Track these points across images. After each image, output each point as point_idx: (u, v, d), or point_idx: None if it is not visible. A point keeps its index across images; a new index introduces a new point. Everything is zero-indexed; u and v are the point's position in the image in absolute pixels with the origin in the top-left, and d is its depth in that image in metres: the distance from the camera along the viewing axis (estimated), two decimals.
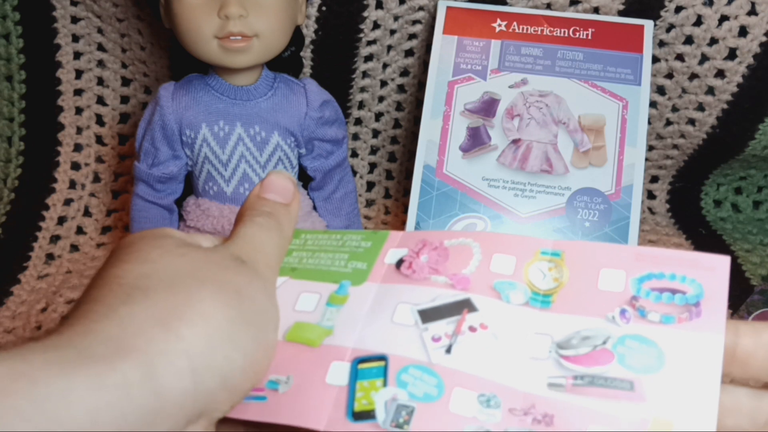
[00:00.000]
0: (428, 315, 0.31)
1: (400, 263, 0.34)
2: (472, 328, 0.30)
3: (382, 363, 0.29)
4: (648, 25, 0.65)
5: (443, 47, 0.64)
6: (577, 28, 0.64)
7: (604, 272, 0.30)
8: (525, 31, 0.64)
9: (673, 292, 0.29)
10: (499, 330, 0.30)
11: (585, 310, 0.30)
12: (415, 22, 0.74)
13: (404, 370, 0.29)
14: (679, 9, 0.70)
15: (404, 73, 0.78)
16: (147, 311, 0.26)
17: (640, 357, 0.28)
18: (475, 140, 0.60)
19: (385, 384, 0.29)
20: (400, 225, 0.84)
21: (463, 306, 0.31)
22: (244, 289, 0.29)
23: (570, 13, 0.66)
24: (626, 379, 0.27)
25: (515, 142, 0.59)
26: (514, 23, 0.64)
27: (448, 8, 0.66)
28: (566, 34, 0.63)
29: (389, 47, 0.75)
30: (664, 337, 0.28)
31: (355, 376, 0.29)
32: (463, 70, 0.63)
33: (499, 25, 0.64)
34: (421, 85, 0.79)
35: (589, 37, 0.63)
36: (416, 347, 0.30)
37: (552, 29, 0.64)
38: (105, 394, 0.23)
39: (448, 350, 0.29)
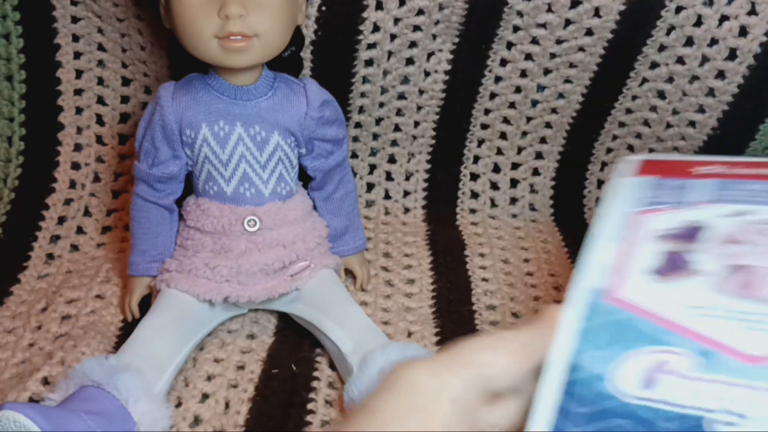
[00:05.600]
0: None
1: None
2: None
3: None
4: None
5: (631, 188, 0.50)
6: None
7: None
8: (738, 172, 0.49)
9: None
10: None
11: None
12: (415, 28, 0.74)
13: None
14: (679, 9, 0.70)
15: (404, 81, 0.78)
16: None
17: None
18: (675, 264, 0.44)
19: None
20: (400, 225, 0.84)
21: None
22: None
23: None
24: None
25: (738, 268, 0.43)
26: (720, 167, 0.50)
27: (644, 161, 0.52)
28: None
29: (389, 52, 0.75)
30: None
31: None
32: (653, 203, 0.48)
33: (702, 170, 0.50)
34: (421, 92, 0.79)
35: None
36: None
37: None
38: None
39: None
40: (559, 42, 0.75)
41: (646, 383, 0.35)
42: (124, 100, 0.80)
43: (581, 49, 0.75)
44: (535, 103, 0.81)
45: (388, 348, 0.55)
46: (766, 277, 0.41)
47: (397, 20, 0.73)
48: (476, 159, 0.86)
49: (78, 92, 0.79)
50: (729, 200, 0.46)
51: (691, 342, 0.37)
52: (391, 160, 0.85)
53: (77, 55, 0.78)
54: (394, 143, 0.84)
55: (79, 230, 0.79)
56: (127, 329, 0.64)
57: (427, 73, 0.78)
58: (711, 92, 0.75)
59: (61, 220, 0.78)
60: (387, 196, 0.87)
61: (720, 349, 0.37)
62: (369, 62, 0.76)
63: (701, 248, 0.43)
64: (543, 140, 0.84)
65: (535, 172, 0.87)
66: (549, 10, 0.72)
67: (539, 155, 0.85)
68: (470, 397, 0.30)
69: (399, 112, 0.81)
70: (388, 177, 0.86)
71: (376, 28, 0.73)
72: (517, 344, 0.32)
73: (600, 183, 0.86)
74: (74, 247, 0.77)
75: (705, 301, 0.40)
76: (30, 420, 0.44)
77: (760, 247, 0.43)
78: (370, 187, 0.86)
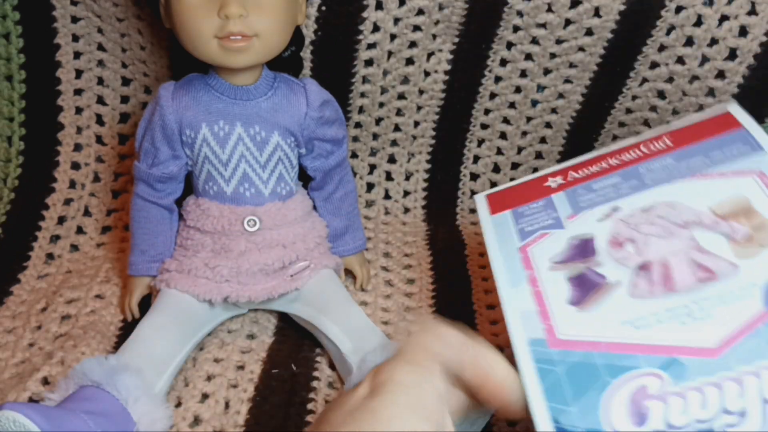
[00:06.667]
0: None
1: None
2: None
3: None
4: (731, 106, 0.51)
5: (497, 227, 0.52)
6: (648, 143, 0.52)
7: None
8: (589, 172, 0.53)
9: None
10: None
11: None
12: (415, 28, 0.74)
13: None
14: (679, 9, 0.70)
15: (404, 81, 0.78)
16: None
17: None
18: (585, 286, 0.45)
19: None
20: (400, 225, 0.84)
21: None
22: None
23: (630, 140, 0.54)
24: None
25: (643, 267, 0.44)
26: (571, 172, 0.54)
27: (488, 196, 0.56)
28: (638, 154, 0.52)
29: (389, 52, 0.75)
30: None
31: None
32: (530, 232, 0.50)
33: (554, 182, 0.54)
34: (421, 92, 0.79)
35: (668, 143, 0.51)
36: None
37: (619, 157, 0.53)
38: None
39: None
40: (559, 42, 0.75)
41: (639, 418, 0.36)
42: (124, 100, 0.80)
43: (581, 49, 0.75)
44: (535, 103, 0.81)
45: (387, 348, 0.55)
46: (674, 264, 0.43)
47: (397, 20, 0.73)
48: (476, 159, 0.86)
49: (78, 92, 0.79)
50: (592, 204, 0.49)
51: (652, 357, 0.38)
52: (391, 160, 0.85)
53: (77, 55, 0.78)
54: (394, 143, 0.84)
55: (79, 230, 0.79)
56: (127, 329, 0.64)
57: (427, 73, 0.78)
58: (711, 92, 0.75)
59: (61, 220, 0.78)
60: (387, 196, 0.87)
61: (681, 354, 0.38)
62: (369, 62, 0.76)
63: (602, 259, 0.45)
64: (543, 140, 0.84)
65: (535, 171, 0.86)
66: (549, 10, 0.72)
67: (539, 155, 0.85)
68: (443, 386, 0.35)
69: (399, 112, 0.81)
70: (388, 177, 0.86)
71: (376, 28, 0.73)
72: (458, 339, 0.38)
73: None
74: (74, 247, 0.77)
75: (636, 311, 0.41)
76: (29, 420, 0.44)
77: (650, 237, 0.45)
78: (370, 187, 0.86)
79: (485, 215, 0.53)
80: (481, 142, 0.85)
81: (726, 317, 0.39)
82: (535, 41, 0.75)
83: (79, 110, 0.80)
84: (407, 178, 0.86)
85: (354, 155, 0.84)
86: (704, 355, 0.38)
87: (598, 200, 0.49)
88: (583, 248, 0.47)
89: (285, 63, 0.66)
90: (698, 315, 0.40)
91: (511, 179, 0.87)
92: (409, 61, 0.77)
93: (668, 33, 0.72)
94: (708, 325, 0.39)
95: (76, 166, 0.80)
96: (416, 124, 0.82)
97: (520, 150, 0.85)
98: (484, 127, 0.83)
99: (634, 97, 0.78)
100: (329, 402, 0.37)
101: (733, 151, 0.47)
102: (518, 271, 0.47)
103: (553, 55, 0.76)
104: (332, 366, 0.62)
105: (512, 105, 0.81)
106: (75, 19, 0.76)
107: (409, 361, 0.36)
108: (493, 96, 0.81)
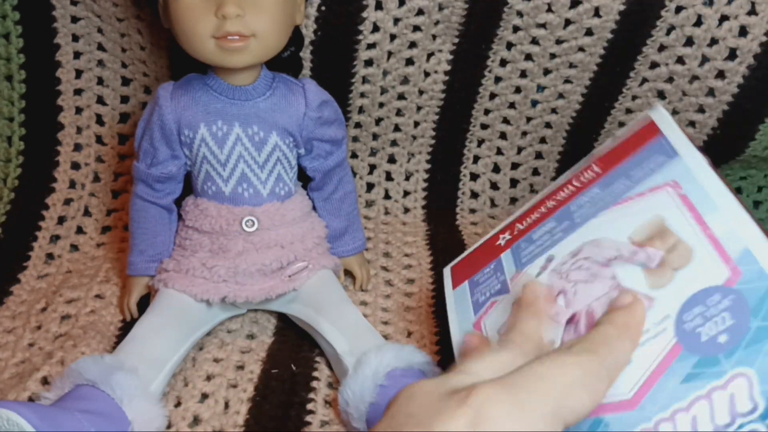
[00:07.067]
0: None
1: None
2: None
3: None
4: (654, 112, 0.48)
5: (457, 302, 0.52)
6: (579, 175, 0.51)
7: None
8: (530, 221, 0.52)
9: None
10: None
11: None
12: (415, 28, 0.74)
13: None
14: (679, 9, 0.70)
15: (404, 81, 0.78)
16: None
17: None
18: None
19: None
20: (400, 225, 0.84)
21: None
22: None
23: (563, 177, 0.53)
24: None
25: (570, 321, 0.44)
26: (517, 225, 0.53)
27: (453, 268, 0.56)
28: (571, 190, 0.50)
29: (389, 52, 0.75)
30: None
31: None
32: (482, 302, 0.51)
33: (503, 239, 0.53)
34: (421, 92, 0.79)
35: (597, 170, 0.49)
36: None
37: (555, 198, 0.51)
38: None
39: None
40: (559, 42, 0.75)
41: None
42: (124, 100, 0.81)
43: (581, 49, 0.75)
44: (535, 103, 0.81)
45: (383, 349, 0.55)
46: (595, 311, 0.42)
47: (396, 20, 0.73)
48: (476, 159, 0.86)
49: (78, 92, 0.79)
50: (531, 258, 0.48)
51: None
52: (391, 160, 0.85)
53: (77, 55, 0.78)
54: (394, 143, 0.84)
55: (79, 230, 0.79)
56: (126, 329, 0.64)
57: (426, 74, 0.78)
58: (711, 92, 0.75)
59: (61, 220, 0.78)
60: (387, 196, 0.87)
61: (605, 412, 0.37)
62: (369, 62, 0.76)
63: None
64: (543, 140, 0.84)
65: (535, 172, 0.87)
66: (549, 10, 0.72)
67: (539, 155, 0.85)
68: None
69: (399, 112, 0.81)
70: (388, 177, 0.86)
71: (375, 28, 0.73)
72: None
73: None
74: (74, 247, 0.77)
75: None
76: (23, 419, 0.44)
77: (578, 284, 0.44)
78: (370, 187, 0.86)
79: (449, 291, 0.53)
80: (481, 142, 0.85)
81: (643, 361, 0.38)
82: (535, 41, 0.75)
83: (79, 110, 0.80)
84: (407, 178, 0.86)
85: (354, 155, 0.84)
86: (624, 409, 0.37)
87: (536, 252, 0.48)
88: None
89: (284, 63, 0.66)
90: None
91: (511, 179, 0.87)
92: (409, 62, 0.77)
93: (668, 33, 0.72)
94: (627, 374, 0.38)
95: (76, 166, 0.81)
96: (416, 124, 0.82)
97: (520, 150, 0.85)
98: (484, 127, 0.83)
99: (634, 97, 0.78)
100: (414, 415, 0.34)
101: (651, 165, 0.45)
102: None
103: (553, 55, 0.76)
104: (332, 366, 0.62)
105: (512, 105, 0.81)
106: (75, 19, 0.76)
107: (519, 417, 0.33)
108: (493, 96, 0.80)
